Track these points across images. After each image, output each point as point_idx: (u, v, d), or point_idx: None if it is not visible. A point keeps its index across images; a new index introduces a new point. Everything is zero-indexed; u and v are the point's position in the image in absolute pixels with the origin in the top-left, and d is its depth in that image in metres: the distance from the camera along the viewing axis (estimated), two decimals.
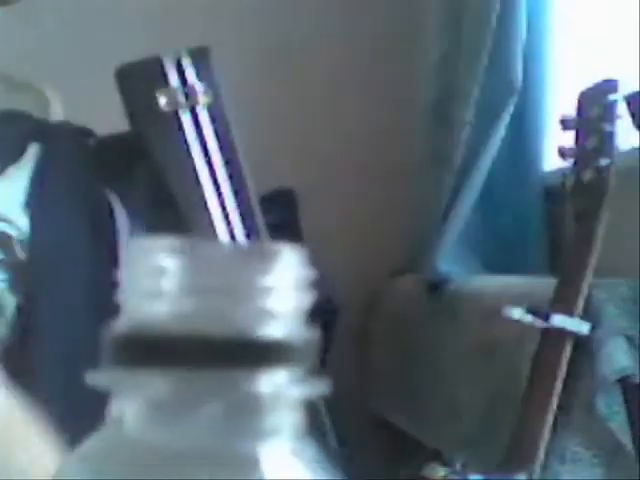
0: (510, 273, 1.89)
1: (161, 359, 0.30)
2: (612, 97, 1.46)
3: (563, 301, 1.40)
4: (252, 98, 2.34)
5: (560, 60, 2.11)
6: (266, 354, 0.30)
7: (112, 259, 1.49)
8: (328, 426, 1.49)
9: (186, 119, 1.57)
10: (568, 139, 1.52)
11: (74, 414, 1.33)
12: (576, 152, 1.50)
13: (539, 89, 2.10)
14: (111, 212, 1.53)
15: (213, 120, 1.58)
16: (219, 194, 1.58)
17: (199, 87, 1.57)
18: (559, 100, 2.07)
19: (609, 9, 2.05)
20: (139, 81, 1.59)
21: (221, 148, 1.58)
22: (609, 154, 1.45)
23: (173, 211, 1.57)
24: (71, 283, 1.48)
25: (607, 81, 1.49)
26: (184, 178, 1.57)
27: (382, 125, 2.59)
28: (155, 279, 0.30)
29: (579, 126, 1.50)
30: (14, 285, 1.43)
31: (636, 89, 1.44)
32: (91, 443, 0.32)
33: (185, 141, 1.57)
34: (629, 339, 1.40)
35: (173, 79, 1.58)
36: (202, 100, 1.57)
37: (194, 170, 1.57)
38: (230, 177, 1.58)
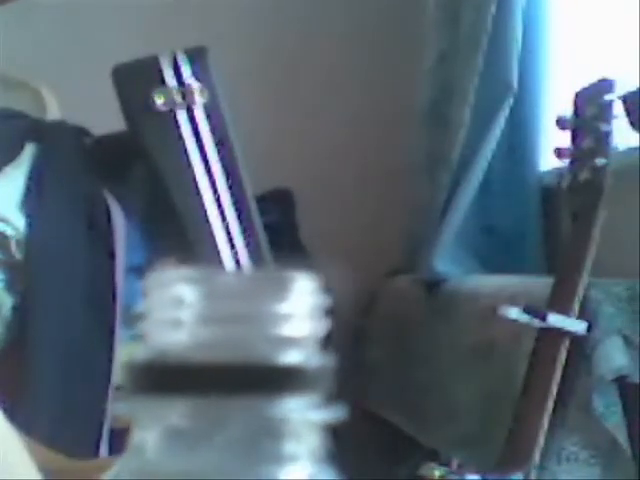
0: (507, 273, 1.89)
1: (181, 387, 0.30)
2: (608, 97, 1.46)
3: (560, 301, 1.40)
4: (249, 97, 2.33)
5: (556, 60, 2.11)
6: (283, 380, 0.30)
7: (108, 258, 1.49)
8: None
9: (183, 118, 1.57)
10: (564, 139, 1.52)
11: (70, 412, 1.33)
12: (572, 152, 1.50)
13: (535, 89, 2.11)
14: (108, 211, 1.53)
15: (209, 119, 1.58)
16: (216, 193, 1.57)
17: (195, 87, 1.57)
18: (555, 100, 2.07)
19: (605, 9, 2.05)
20: (136, 81, 1.59)
21: (217, 147, 1.58)
22: (605, 154, 1.45)
23: (170, 210, 1.57)
24: (67, 282, 1.48)
25: (603, 81, 1.49)
26: (181, 177, 1.57)
27: (379, 125, 2.59)
28: (173, 309, 0.31)
29: (575, 126, 1.50)
30: (11, 285, 1.43)
31: (632, 89, 1.44)
32: (114, 472, 0.32)
33: (182, 140, 1.57)
34: (626, 339, 1.41)
35: (170, 79, 1.58)
36: (198, 99, 1.57)
37: (191, 169, 1.57)
38: (226, 176, 1.58)
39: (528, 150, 2.13)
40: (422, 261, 2.14)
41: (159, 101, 1.56)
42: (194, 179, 1.56)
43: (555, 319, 1.38)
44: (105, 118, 1.53)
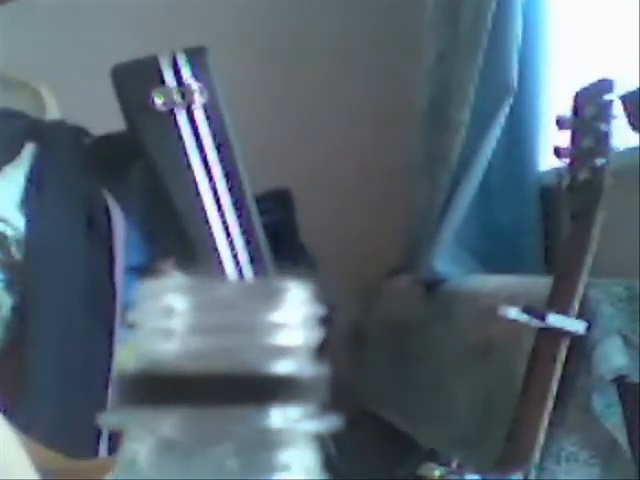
0: (506, 273, 1.89)
1: (172, 398, 0.30)
2: (608, 97, 1.46)
3: (559, 300, 1.40)
4: (248, 97, 2.33)
5: (556, 60, 2.11)
6: (277, 390, 0.30)
7: (108, 258, 1.49)
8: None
9: (182, 118, 1.57)
10: (564, 139, 1.52)
11: (69, 411, 1.33)
12: (572, 152, 1.50)
13: (535, 89, 2.11)
14: (107, 211, 1.53)
15: (209, 119, 1.58)
16: (215, 193, 1.57)
17: (195, 86, 1.57)
18: (555, 100, 2.07)
19: (605, 9, 2.05)
20: (135, 80, 1.59)
21: (217, 147, 1.58)
22: (605, 154, 1.45)
23: (169, 210, 1.57)
24: (67, 282, 1.48)
25: (603, 81, 1.49)
26: (180, 177, 1.57)
27: (379, 125, 2.59)
28: (165, 319, 0.31)
29: (575, 126, 1.50)
30: (10, 285, 1.43)
31: (632, 89, 1.44)
32: None
33: (181, 140, 1.57)
34: (625, 338, 1.40)
35: (169, 78, 1.58)
36: (198, 99, 1.57)
37: (190, 169, 1.57)
38: (226, 176, 1.58)
39: (528, 150, 2.13)
40: (422, 261, 2.14)
41: (159, 101, 1.56)
42: (194, 179, 1.56)
43: (554, 319, 1.38)
44: (105, 118, 1.53)
